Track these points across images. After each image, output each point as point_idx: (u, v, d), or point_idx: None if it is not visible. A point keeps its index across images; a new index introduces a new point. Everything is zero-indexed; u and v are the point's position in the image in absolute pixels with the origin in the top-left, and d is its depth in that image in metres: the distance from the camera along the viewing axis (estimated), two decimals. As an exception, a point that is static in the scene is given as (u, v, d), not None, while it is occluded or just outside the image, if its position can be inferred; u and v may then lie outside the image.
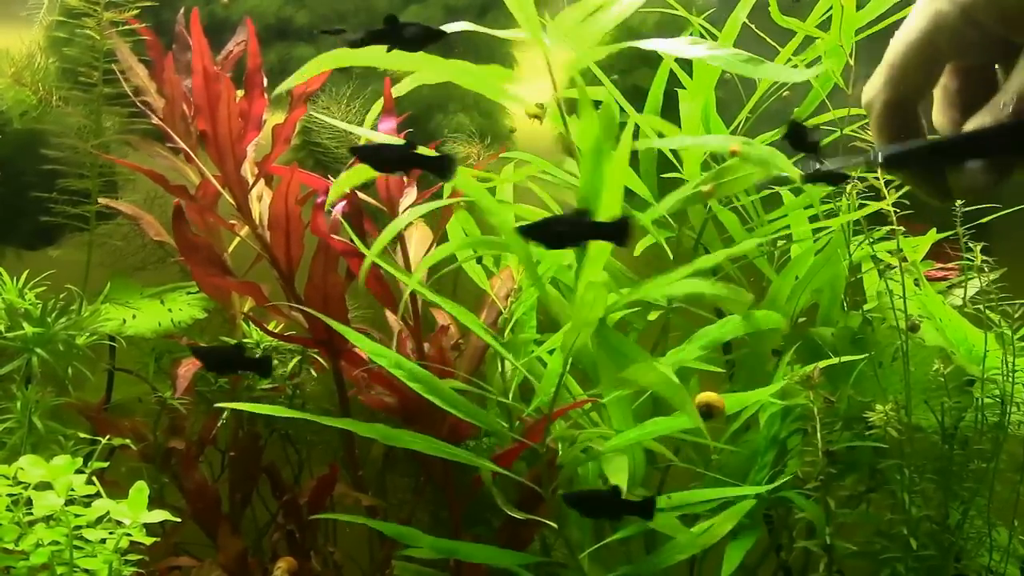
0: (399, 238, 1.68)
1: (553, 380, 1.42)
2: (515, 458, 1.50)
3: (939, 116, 0.72)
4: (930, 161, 0.69)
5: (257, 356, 1.66)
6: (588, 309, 1.26)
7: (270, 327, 1.72)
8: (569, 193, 1.78)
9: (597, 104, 1.29)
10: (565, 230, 1.21)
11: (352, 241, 1.59)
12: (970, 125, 0.66)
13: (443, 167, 1.29)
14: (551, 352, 1.54)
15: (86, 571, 1.28)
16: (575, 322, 1.29)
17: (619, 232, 1.21)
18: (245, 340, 1.78)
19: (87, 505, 1.30)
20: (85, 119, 1.89)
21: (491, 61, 2.13)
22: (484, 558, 1.48)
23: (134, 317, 1.76)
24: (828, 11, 1.62)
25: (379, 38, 1.23)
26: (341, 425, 1.42)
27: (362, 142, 1.59)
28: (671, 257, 1.72)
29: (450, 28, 1.28)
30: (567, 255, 1.50)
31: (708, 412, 1.40)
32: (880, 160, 0.70)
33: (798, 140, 1.19)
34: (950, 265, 1.63)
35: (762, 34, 1.66)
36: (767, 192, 1.74)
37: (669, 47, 1.28)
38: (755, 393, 1.50)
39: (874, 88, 0.72)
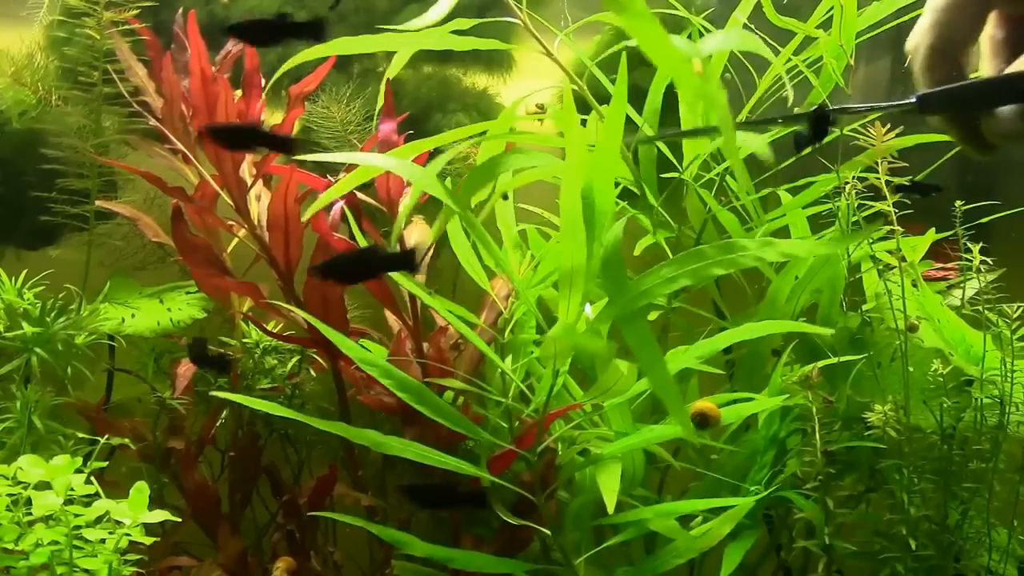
0: (398, 237, 1.68)
1: (546, 385, 1.42)
2: (510, 462, 1.50)
3: (986, 66, 0.70)
4: (965, 104, 0.67)
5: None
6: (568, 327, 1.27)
7: (269, 327, 1.72)
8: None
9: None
10: (358, 266, 1.31)
11: (351, 240, 1.59)
12: (1011, 69, 0.64)
13: (286, 145, 1.38)
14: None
15: (86, 571, 1.28)
16: (554, 335, 1.29)
17: (408, 262, 1.34)
18: (245, 340, 1.78)
19: (87, 505, 1.30)
20: (85, 119, 1.89)
21: (491, 61, 2.14)
22: (479, 566, 1.48)
23: (133, 316, 1.76)
24: (829, 11, 1.62)
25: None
26: (332, 430, 1.42)
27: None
28: (671, 257, 1.72)
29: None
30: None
31: (703, 422, 1.40)
32: (916, 102, 0.69)
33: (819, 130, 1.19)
34: (949, 265, 1.63)
35: (762, 34, 1.65)
36: (765, 192, 1.74)
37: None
38: (756, 404, 1.50)
39: (920, 32, 0.70)
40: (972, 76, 0.70)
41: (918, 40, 0.70)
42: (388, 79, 1.55)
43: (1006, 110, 0.64)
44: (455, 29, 1.34)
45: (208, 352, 1.60)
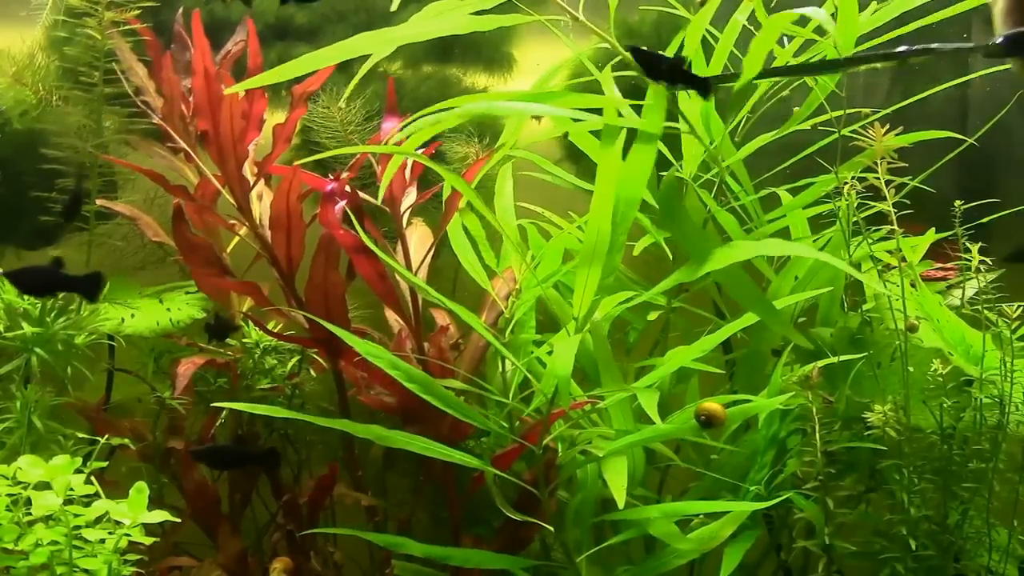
0: (400, 238, 1.69)
1: (552, 381, 1.42)
2: (514, 459, 1.50)
3: None
4: None
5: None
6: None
7: (270, 326, 1.72)
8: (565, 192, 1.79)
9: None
10: (44, 281, 1.48)
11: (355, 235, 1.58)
12: None
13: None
14: (550, 353, 1.54)
15: (86, 571, 1.28)
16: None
17: (90, 286, 1.51)
18: (245, 340, 1.78)
19: (86, 505, 1.30)
20: (85, 119, 1.90)
21: (491, 61, 2.14)
22: (477, 563, 1.48)
23: (133, 317, 1.76)
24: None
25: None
26: (336, 426, 1.42)
27: None
28: (671, 257, 1.73)
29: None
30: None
31: (708, 422, 1.40)
32: (1003, 43, 0.69)
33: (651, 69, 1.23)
34: (949, 265, 1.63)
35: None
36: (765, 192, 1.74)
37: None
38: (758, 405, 1.50)
39: None
40: None
41: None
42: (392, 78, 1.56)
43: None
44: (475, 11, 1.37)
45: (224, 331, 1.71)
